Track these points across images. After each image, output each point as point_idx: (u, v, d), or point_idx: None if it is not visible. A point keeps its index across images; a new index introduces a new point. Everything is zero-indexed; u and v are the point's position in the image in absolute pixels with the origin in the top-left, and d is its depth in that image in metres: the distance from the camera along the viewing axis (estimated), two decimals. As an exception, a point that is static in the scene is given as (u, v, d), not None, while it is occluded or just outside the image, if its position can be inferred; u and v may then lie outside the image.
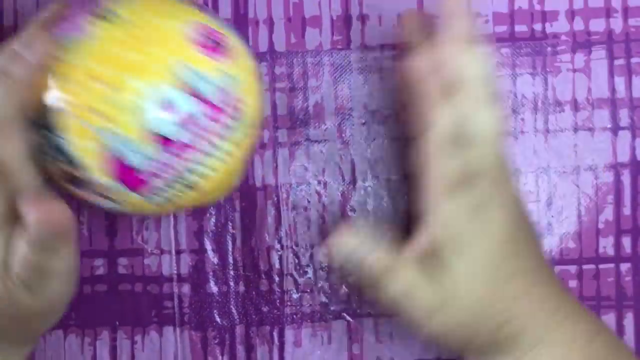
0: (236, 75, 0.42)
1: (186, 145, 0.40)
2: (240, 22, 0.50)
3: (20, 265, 0.39)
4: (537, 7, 0.50)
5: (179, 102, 0.39)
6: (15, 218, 0.39)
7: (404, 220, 0.50)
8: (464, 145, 0.41)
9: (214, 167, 0.41)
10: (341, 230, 0.45)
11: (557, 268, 0.49)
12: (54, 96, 0.39)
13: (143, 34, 0.40)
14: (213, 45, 0.41)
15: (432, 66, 0.43)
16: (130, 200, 0.41)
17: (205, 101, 0.40)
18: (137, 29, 0.40)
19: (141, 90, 0.39)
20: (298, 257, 0.50)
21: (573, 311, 0.43)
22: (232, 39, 0.43)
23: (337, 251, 0.45)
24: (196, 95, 0.40)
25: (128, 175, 0.40)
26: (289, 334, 0.50)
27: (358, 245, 0.44)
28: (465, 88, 0.41)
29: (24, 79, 0.39)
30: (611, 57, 0.50)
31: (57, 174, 0.41)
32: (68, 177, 0.40)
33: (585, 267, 0.50)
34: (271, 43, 0.50)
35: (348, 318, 0.50)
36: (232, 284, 0.50)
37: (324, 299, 0.50)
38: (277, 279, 0.50)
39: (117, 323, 0.50)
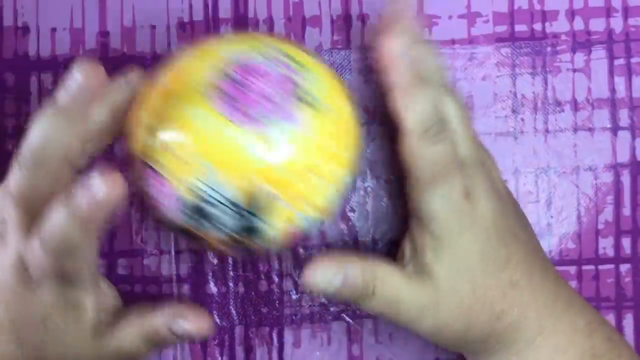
0: None
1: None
2: (240, 22, 0.50)
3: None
4: (537, 6, 0.50)
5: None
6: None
7: (404, 221, 0.50)
8: (441, 132, 0.41)
9: None
10: (309, 267, 0.42)
11: (557, 269, 0.49)
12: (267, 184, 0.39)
13: (341, 124, 0.41)
14: None
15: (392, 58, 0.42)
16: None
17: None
18: (337, 117, 0.41)
19: (340, 178, 0.41)
20: (297, 258, 0.50)
21: (573, 302, 0.43)
22: None
23: (313, 287, 0.42)
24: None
25: (296, 241, 0.42)
26: (288, 334, 0.50)
27: (331, 274, 0.42)
28: (426, 81, 0.42)
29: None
30: (611, 57, 0.50)
31: (216, 239, 0.41)
32: (229, 242, 0.41)
33: (584, 267, 0.49)
34: (271, 43, 0.50)
35: (347, 319, 0.50)
36: (231, 284, 0.50)
37: (323, 300, 0.50)
38: (276, 279, 0.50)
39: (117, 323, 0.50)
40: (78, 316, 0.42)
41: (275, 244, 0.41)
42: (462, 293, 0.41)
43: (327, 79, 0.41)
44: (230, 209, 0.38)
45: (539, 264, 0.43)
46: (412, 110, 0.41)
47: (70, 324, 0.42)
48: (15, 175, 0.42)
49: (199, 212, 0.39)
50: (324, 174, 0.40)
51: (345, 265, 0.42)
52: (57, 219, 0.38)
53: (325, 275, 0.42)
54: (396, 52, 0.41)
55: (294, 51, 0.41)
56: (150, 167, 0.39)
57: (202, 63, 0.40)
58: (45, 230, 0.39)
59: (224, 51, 0.40)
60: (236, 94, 0.38)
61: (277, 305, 0.50)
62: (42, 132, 0.41)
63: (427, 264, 0.42)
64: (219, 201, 0.38)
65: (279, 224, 0.40)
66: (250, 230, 0.39)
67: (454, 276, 0.41)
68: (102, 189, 0.37)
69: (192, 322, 0.43)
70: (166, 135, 0.39)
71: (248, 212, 0.39)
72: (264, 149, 0.38)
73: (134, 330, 0.43)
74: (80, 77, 0.41)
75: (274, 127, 0.38)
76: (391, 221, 0.50)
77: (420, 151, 0.41)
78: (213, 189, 0.38)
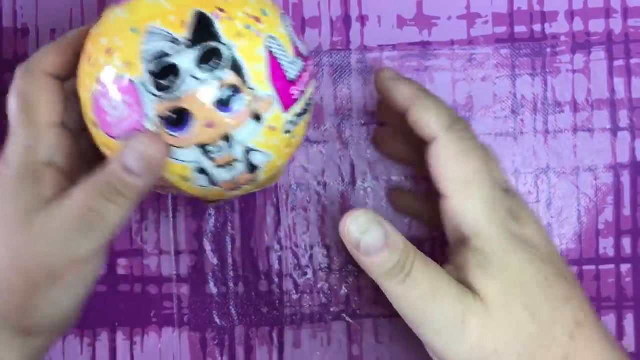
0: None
1: (308, 67, 0.42)
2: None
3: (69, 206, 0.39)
4: (537, 7, 0.50)
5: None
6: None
7: (404, 221, 0.50)
8: (467, 128, 0.41)
9: (309, 112, 0.43)
10: (350, 214, 0.38)
11: (557, 269, 0.49)
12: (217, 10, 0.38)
13: None
14: None
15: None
16: (275, 123, 0.39)
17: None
18: None
19: (277, 10, 0.41)
20: (297, 258, 0.50)
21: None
22: None
23: (349, 235, 0.38)
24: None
25: (285, 89, 0.40)
26: (288, 335, 0.50)
27: (374, 227, 0.37)
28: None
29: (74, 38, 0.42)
30: (611, 58, 0.50)
31: (205, 97, 0.38)
32: (219, 97, 0.38)
33: (585, 268, 0.49)
34: (271, 44, 0.50)
35: (348, 319, 0.50)
36: (231, 284, 0.50)
37: (323, 300, 0.50)
38: (276, 279, 0.50)
39: (116, 324, 0.50)
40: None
41: (263, 82, 0.39)
42: (519, 319, 0.37)
43: None
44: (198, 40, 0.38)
45: (592, 308, 0.39)
46: (429, 112, 0.41)
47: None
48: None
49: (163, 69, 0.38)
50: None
51: (388, 226, 0.37)
52: None
53: (366, 225, 0.37)
54: (390, 75, 0.43)
55: None
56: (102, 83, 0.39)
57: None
58: None
59: None
60: None
61: (277, 305, 0.50)
62: None
63: (475, 283, 0.37)
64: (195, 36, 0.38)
65: (248, 47, 0.38)
66: (223, 59, 0.38)
67: (507, 298, 0.37)
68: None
69: (143, 143, 0.38)
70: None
71: (210, 39, 0.38)
72: None
73: (87, 191, 0.39)
74: None
75: None
76: (391, 221, 0.49)
77: (451, 149, 0.40)
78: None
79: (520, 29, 0.50)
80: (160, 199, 0.50)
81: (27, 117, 0.41)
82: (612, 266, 0.49)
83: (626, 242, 0.49)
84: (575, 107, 0.50)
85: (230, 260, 0.50)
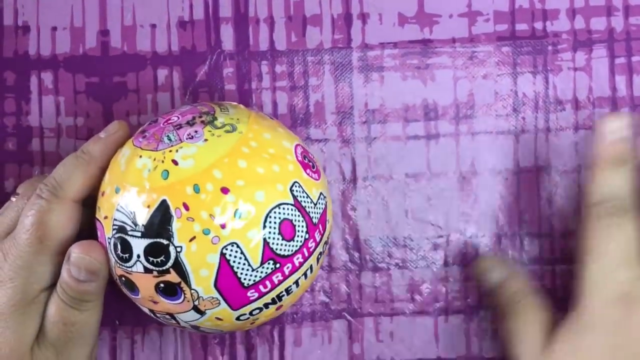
0: (326, 194, 0.43)
1: (291, 262, 0.40)
2: (241, 21, 0.50)
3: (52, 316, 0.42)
4: (538, 5, 0.50)
5: (293, 220, 0.40)
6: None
7: (404, 220, 0.50)
8: (614, 214, 0.43)
9: (300, 282, 0.42)
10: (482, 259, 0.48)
11: (559, 267, 0.49)
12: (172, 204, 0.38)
13: (264, 151, 0.40)
14: (311, 165, 0.42)
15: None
16: (223, 316, 0.40)
17: (309, 220, 0.41)
18: (257, 145, 0.40)
19: (266, 205, 0.39)
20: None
21: None
22: (316, 157, 0.44)
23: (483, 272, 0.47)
24: (304, 214, 0.40)
25: (236, 293, 0.39)
26: (289, 333, 0.50)
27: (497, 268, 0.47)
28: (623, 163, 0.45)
29: (99, 157, 0.43)
30: (612, 56, 0.50)
31: (148, 283, 0.40)
32: (161, 286, 0.40)
33: (586, 266, 0.49)
34: (272, 42, 0.50)
35: (348, 317, 0.50)
36: (232, 283, 0.50)
37: (324, 299, 0.50)
38: (277, 278, 0.50)
39: (117, 322, 0.50)
40: None
41: (208, 286, 0.39)
42: None
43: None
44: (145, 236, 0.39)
45: None
46: (593, 183, 0.44)
47: None
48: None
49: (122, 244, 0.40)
50: (245, 198, 0.39)
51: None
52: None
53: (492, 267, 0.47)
54: (610, 127, 0.45)
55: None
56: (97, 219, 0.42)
57: None
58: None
59: None
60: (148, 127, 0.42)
61: (278, 303, 0.50)
62: (63, 171, 0.43)
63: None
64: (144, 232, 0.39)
65: (198, 252, 0.38)
66: (170, 260, 0.38)
67: None
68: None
69: (79, 253, 0.41)
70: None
71: (162, 237, 0.38)
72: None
73: (55, 306, 0.43)
74: (106, 130, 0.44)
75: (184, 148, 0.39)
76: (391, 219, 0.49)
77: (590, 223, 0.43)
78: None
79: (521, 26, 0.50)
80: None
81: (41, 244, 0.42)
82: (613, 264, 0.49)
83: (628, 241, 0.49)
84: (577, 105, 0.50)
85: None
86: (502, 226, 0.49)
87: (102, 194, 0.41)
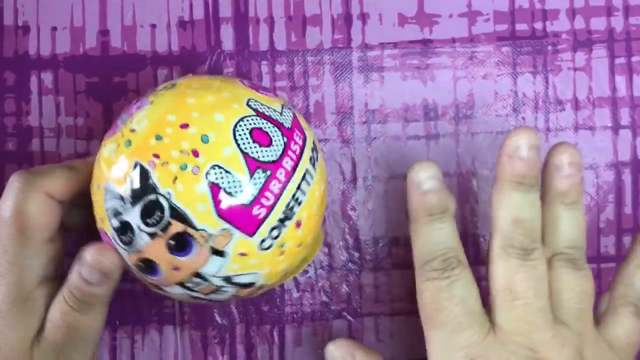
0: (291, 108, 0.43)
1: (280, 167, 0.39)
2: (241, 21, 0.50)
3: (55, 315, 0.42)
4: (538, 5, 0.50)
5: (262, 127, 0.39)
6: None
7: (404, 220, 0.50)
8: (525, 252, 0.40)
9: (305, 189, 0.41)
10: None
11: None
12: (147, 159, 0.38)
13: (209, 86, 0.40)
14: (264, 88, 0.42)
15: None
16: (245, 249, 0.39)
17: (280, 125, 0.40)
18: (201, 85, 0.41)
19: (228, 123, 0.39)
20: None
21: None
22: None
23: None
24: (272, 120, 0.40)
25: (243, 215, 0.38)
26: (289, 333, 0.50)
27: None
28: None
29: (82, 165, 0.44)
30: (612, 56, 0.50)
31: (159, 249, 0.39)
32: (171, 243, 0.39)
33: (586, 266, 0.49)
34: (272, 42, 0.50)
35: (349, 317, 0.50)
36: (232, 283, 0.50)
37: (324, 298, 0.50)
38: (277, 278, 0.50)
39: (117, 322, 0.50)
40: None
41: (212, 219, 0.38)
42: None
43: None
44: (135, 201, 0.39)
45: None
46: (414, 243, 0.41)
47: None
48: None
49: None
50: (206, 124, 0.39)
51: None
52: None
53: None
54: (411, 180, 0.41)
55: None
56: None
57: None
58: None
59: None
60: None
61: (278, 303, 0.50)
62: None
63: None
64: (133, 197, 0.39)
65: (187, 190, 0.38)
66: (164, 209, 0.38)
67: None
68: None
69: (94, 255, 0.41)
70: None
71: (147, 193, 0.38)
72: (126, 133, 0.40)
73: (59, 309, 0.43)
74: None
75: (136, 116, 0.40)
76: (391, 219, 0.50)
77: (417, 287, 0.40)
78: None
79: (521, 26, 0.50)
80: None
81: (23, 236, 0.41)
82: (613, 264, 0.49)
83: (627, 241, 0.49)
84: (577, 105, 0.50)
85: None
86: (502, 226, 0.49)
87: (94, 203, 0.41)
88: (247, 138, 0.38)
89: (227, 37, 0.50)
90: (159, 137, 0.38)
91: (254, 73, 0.50)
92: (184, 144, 0.38)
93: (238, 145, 0.38)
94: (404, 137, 0.50)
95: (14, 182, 0.41)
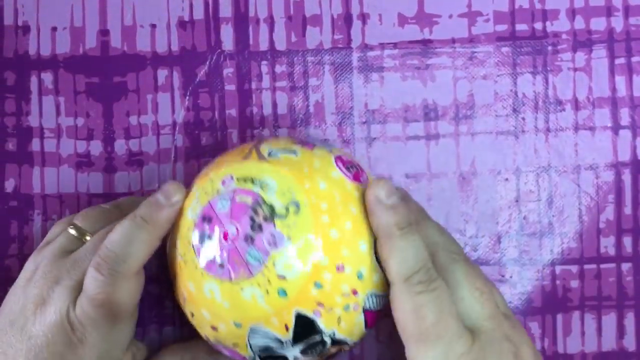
0: None
1: None
2: (241, 21, 0.50)
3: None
4: (538, 5, 0.50)
5: None
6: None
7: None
8: (426, 281, 0.40)
9: None
10: None
11: (559, 268, 0.49)
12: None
13: (342, 206, 0.41)
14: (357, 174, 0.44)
15: None
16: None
17: None
18: (327, 205, 0.41)
19: (370, 250, 0.41)
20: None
21: None
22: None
23: None
24: None
25: (372, 319, 0.42)
26: (289, 333, 0.50)
27: None
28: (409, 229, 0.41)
29: (163, 226, 0.42)
30: (612, 56, 0.50)
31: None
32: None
33: (586, 266, 0.49)
34: (272, 42, 0.50)
35: (348, 317, 0.50)
36: (232, 283, 0.50)
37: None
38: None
39: (117, 322, 0.50)
40: None
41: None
42: None
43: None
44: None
45: None
46: (391, 258, 0.40)
47: None
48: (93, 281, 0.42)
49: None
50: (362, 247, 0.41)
51: None
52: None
53: None
54: (376, 198, 0.41)
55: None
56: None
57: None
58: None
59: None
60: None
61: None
62: (125, 242, 0.42)
63: None
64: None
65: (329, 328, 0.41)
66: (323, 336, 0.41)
67: None
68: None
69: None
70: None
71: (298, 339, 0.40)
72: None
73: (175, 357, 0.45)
74: (166, 195, 0.42)
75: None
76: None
77: (406, 304, 0.39)
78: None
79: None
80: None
81: (116, 318, 0.42)
82: (613, 265, 0.49)
83: (627, 241, 0.49)
84: (577, 105, 0.50)
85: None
86: (502, 227, 0.49)
87: (213, 328, 0.41)
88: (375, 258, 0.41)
89: (227, 37, 0.50)
90: (318, 285, 0.39)
91: (254, 73, 0.50)
92: (344, 288, 0.40)
93: (381, 267, 0.41)
94: (404, 138, 0.50)
95: (103, 268, 0.41)
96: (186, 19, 0.50)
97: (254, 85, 0.50)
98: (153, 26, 0.50)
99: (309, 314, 0.39)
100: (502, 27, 0.50)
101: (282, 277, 0.39)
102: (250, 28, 0.50)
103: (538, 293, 0.49)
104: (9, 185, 0.50)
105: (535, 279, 0.49)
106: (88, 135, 0.50)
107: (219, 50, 0.50)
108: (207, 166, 0.44)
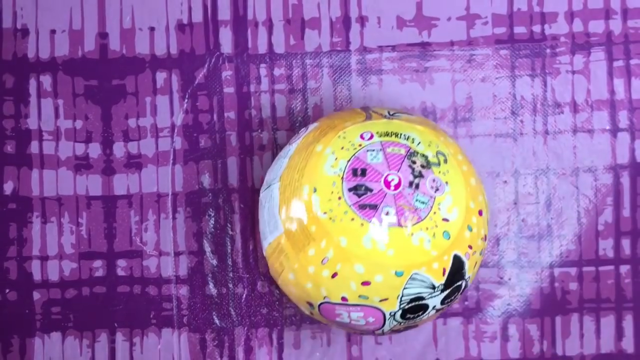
0: None
1: None
2: (240, 24, 0.50)
3: None
4: (536, 8, 0.50)
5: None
6: None
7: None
8: None
9: None
10: None
11: (557, 270, 0.49)
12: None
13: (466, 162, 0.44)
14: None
15: None
16: None
17: None
18: (463, 160, 0.44)
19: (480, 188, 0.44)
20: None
21: None
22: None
23: None
24: None
25: None
26: (288, 335, 0.50)
27: None
28: None
29: None
30: (610, 59, 0.50)
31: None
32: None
33: (585, 269, 0.49)
34: (270, 45, 0.50)
35: (347, 320, 0.50)
36: (231, 285, 0.50)
37: (323, 301, 0.50)
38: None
39: (116, 325, 0.50)
40: None
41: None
42: None
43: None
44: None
45: None
46: None
47: None
48: None
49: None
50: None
51: None
52: None
53: None
54: None
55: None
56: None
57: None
58: None
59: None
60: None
61: (277, 306, 0.50)
62: None
63: None
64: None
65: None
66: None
67: None
68: None
69: None
70: None
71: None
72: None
73: None
74: None
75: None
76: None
77: None
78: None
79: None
80: (159, 200, 0.50)
81: None
82: (611, 267, 0.49)
83: (626, 244, 0.49)
84: (575, 108, 0.50)
85: (229, 262, 0.50)
86: (500, 229, 0.49)
87: (365, 283, 0.41)
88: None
89: (226, 40, 0.50)
90: (470, 228, 0.42)
91: (253, 76, 0.50)
92: (482, 232, 0.43)
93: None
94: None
95: None
96: (185, 22, 0.50)
97: (252, 88, 0.50)
98: (152, 29, 0.50)
99: (462, 256, 0.41)
100: (501, 30, 0.50)
101: (446, 220, 0.41)
102: (249, 31, 0.50)
103: (537, 295, 0.49)
104: (8, 187, 0.50)
105: (533, 282, 0.49)
106: (87, 138, 0.50)
107: (218, 53, 0.50)
108: (313, 130, 0.44)
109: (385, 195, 0.40)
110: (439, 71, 0.50)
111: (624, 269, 0.49)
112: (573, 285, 0.49)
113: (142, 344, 0.50)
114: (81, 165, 0.50)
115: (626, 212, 0.49)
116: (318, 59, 0.50)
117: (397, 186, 0.41)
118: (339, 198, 0.41)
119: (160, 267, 0.50)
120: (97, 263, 0.50)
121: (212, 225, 0.50)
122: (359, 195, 0.40)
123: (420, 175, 0.41)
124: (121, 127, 0.50)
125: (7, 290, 0.48)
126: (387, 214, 0.40)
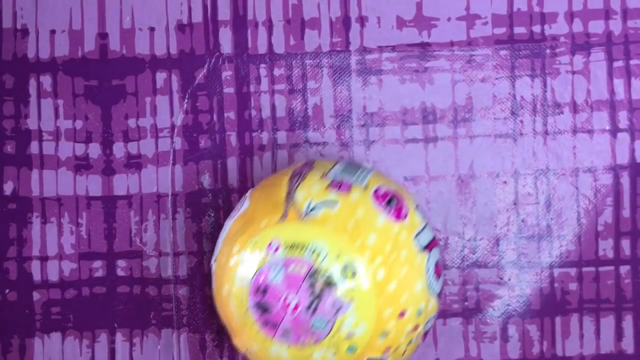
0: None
1: None
2: (240, 24, 0.50)
3: None
4: (536, 8, 0.50)
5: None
6: None
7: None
8: None
9: None
10: None
11: (557, 271, 0.49)
12: None
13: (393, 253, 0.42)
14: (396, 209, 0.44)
15: None
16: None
17: None
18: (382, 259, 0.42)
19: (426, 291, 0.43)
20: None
21: None
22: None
23: None
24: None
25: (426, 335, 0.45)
26: (287, 336, 0.50)
27: None
28: None
29: None
30: (610, 59, 0.50)
31: None
32: None
33: (585, 269, 0.49)
34: (270, 45, 0.50)
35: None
36: (230, 286, 0.50)
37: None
38: (275, 281, 0.50)
39: (116, 325, 0.50)
40: None
41: None
42: None
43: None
44: None
45: None
46: None
47: None
48: None
49: None
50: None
51: None
52: None
53: None
54: None
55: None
56: None
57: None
58: None
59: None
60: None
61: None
62: None
63: None
64: None
65: None
66: None
67: None
68: None
69: None
70: None
71: None
72: None
73: None
74: None
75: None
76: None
77: None
78: None
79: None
80: (159, 200, 0.50)
81: None
82: (611, 268, 0.49)
83: (625, 244, 0.49)
84: (575, 108, 0.50)
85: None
86: (500, 229, 0.49)
87: None
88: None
89: (226, 40, 0.50)
90: (384, 334, 0.41)
91: (253, 76, 0.50)
92: (407, 328, 0.42)
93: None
94: (402, 141, 0.50)
95: None
96: (185, 22, 0.50)
97: (252, 88, 0.50)
98: (152, 29, 0.50)
99: (378, 357, 0.42)
100: (501, 30, 0.50)
101: (350, 336, 0.40)
102: (249, 31, 0.50)
103: (536, 296, 0.49)
104: (8, 188, 0.50)
105: (533, 282, 0.49)
106: (87, 138, 0.50)
107: (218, 53, 0.50)
108: (242, 214, 0.44)
109: (284, 316, 0.41)
110: (438, 71, 0.50)
111: (624, 269, 0.49)
112: (573, 286, 0.49)
113: (142, 344, 0.50)
114: (81, 165, 0.50)
115: (626, 213, 0.49)
116: (318, 59, 0.50)
117: (295, 308, 0.40)
118: (247, 310, 0.41)
119: (160, 268, 0.50)
120: (97, 263, 0.50)
121: (212, 226, 0.50)
122: (262, 312, 0.41)
123: (320, 297, 0.40)
124: (121, 127, 0.50)
125: (7, 291, 0.48)
126: (285, 334, 0.41)
